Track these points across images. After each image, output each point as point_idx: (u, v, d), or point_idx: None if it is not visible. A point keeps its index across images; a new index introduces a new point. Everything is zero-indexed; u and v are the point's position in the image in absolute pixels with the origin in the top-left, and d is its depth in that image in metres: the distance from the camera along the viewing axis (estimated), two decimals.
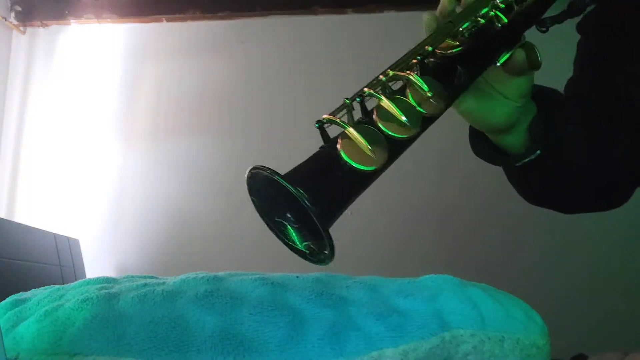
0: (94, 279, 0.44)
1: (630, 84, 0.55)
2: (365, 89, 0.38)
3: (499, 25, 0.45)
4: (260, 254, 1.03)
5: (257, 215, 0.37)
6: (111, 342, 0.34)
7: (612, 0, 0.58)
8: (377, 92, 0.38)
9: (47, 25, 1.66)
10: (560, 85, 0.60)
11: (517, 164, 0.56)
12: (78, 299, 0.37)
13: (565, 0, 0.53)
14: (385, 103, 0.38)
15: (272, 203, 0.36)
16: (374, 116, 0.37)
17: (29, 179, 1.59)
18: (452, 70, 0.44)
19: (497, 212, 1.36)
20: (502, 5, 0.46)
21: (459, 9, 0.47)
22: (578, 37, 0.62)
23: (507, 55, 0.48)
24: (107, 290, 0.39)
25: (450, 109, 0.52)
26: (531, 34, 0.50)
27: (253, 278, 0.41)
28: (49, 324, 0.35)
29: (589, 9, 0.53)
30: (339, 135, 0.36)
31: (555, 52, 0.69)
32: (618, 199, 0.61)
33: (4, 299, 0.41)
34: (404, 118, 0.37)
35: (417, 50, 0.42)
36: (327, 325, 0.36)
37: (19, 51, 1.65)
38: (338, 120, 0.37)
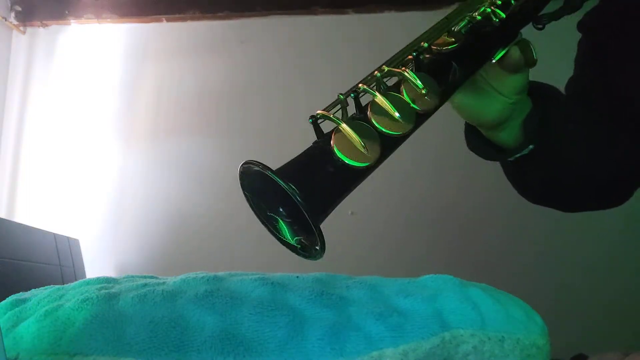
0: (94, 279, 0.44)
1: (631, 83, 0.56)
2: (360, 85, 0.38)
3: (496, 21, 0.45)
4: (260, 253, 1.03)
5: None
6: (111, 342, 0.34)
7: (613, 0, 0.58)
8: (371, 88, 0.38)
9: (47, 25, 1.66)
10: (557, 83, 0.60)
11: (509, 159, 0.56)
12: (78, 299, 0.37)
13: None
14: (380, 99, 0.37)
15: (265, 198, 0.36)
16: (368, 112, 0.37)
17: (29, 179, 1.59)
18: (447, 66, 0.43)
19: (497, 211, 1.36)
20: (499, 2, 0.46)
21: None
22: (575, 34, 0.61)
23: (503, 52, 0.48)
24: (107, 290, 0.39)
25: (450, 109, 0.52)
26: (527, 31, 0.50)
27: (253, 278, 0.40)
28: (49, 324, 0.35)
29: (585, 5, 0.53)
30: (332, 130, 0.36)
31: (552, 50, 0.69)
32: (618, 199, 0.61)
33: (4, 299, 0.41)
34: (397, 114, 0.37)
35: (413, 46, 0.42)
36: (327, 325, 0.36)
37: (19, 51, 1.65)
38: (331, 115, 0.37)
